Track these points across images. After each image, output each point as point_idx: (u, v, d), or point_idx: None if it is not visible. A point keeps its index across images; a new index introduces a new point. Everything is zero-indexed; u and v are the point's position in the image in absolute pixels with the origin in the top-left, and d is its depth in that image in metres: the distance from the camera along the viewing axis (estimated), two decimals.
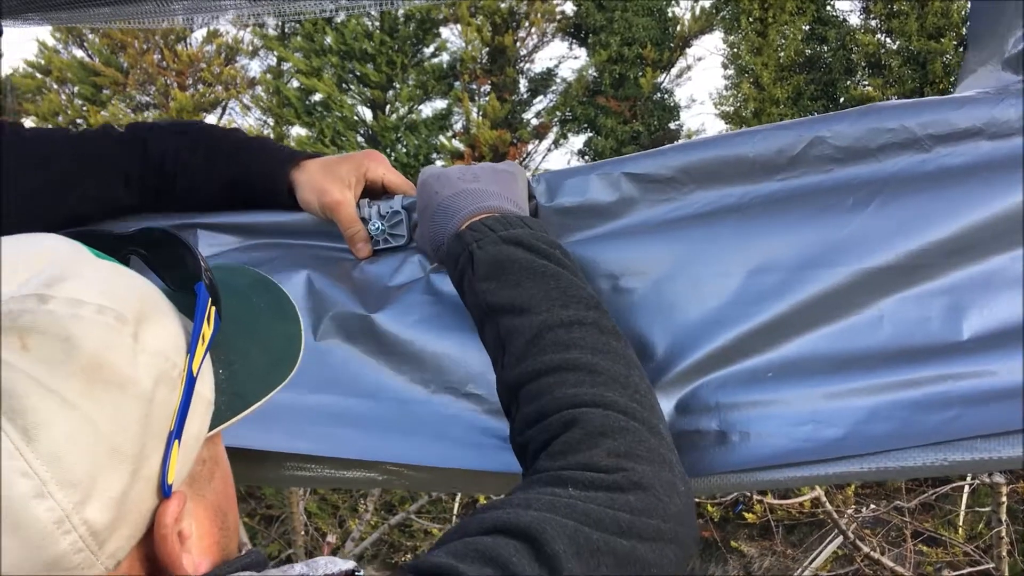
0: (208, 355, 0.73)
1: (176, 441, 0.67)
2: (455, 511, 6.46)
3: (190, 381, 0.69)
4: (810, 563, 6.15)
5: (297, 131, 11.77)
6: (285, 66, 11.92)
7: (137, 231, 0.83)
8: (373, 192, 1.26)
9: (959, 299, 0.98)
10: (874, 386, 0.96)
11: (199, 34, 11.66)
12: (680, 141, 1.11)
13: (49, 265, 0.66)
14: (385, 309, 1.18)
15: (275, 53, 11.79)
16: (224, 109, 12.27)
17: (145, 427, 0.64)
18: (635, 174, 1.10)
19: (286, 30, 11.58)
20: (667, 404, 1.02)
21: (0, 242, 0.68)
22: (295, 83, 11.62)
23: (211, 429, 0.73)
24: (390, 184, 1.25)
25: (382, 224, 1.20)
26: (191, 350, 0.70)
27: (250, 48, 12.04)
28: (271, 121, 12.06)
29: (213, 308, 0.74)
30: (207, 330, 0.72)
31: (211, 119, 12.09)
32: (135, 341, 0.65)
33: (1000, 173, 0.99)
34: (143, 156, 1.27)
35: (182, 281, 0.81)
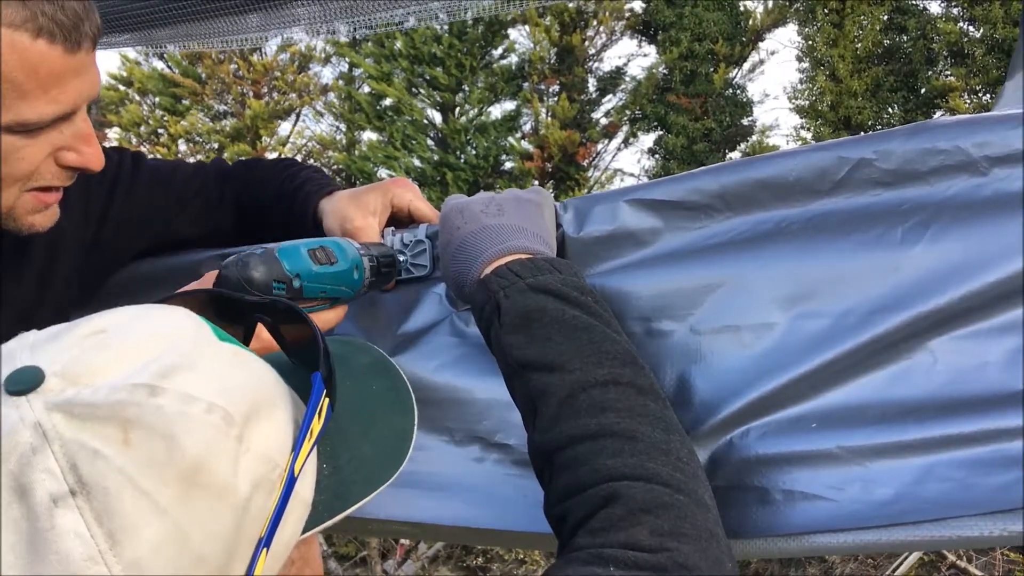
0: (315, 449, 0.70)
1: (265, 549, 0.63)
2: None
3: (289, 484, 0.65)
4: (893, 571, 5.97)
5: (368, 136, 11.91)
6: (357, 72, 12.05)
7: (268, 301, 0.81)
8: (400, 220, 1.22)
9: (1019, 341, 0.87)
10: (927, 440, 0.86)
11: (273, 43, 11.87)
12: (713, 164, 1.04)
13: (169, 350, 0.63)
14: (406, 352, 1.12)
15: (347, 59, 11.93)
16: (298, 116, 12.46)
17: (235, 535, 0.61)
18: (666, 200, 1.03)
19: (357, 36, 11.71)
20: (703, 455, 0.95)
21: (123, 315, 0.66)
22: (366, 88, 11.74)
23: (305, 532, 0.70)
24: (416, 211, 1.21)
25: (405, 253, 1.16)
26: (296, 447, 0.66)
27: (322, 55, 12.20)
28: (343, 127, 12.21)
29: (327, 400, 0.70)
30: (316, 425, 0.68)
31: (285, 126, 12.31)
32: (239, 443, 0.62)
33: None
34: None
35: (301, 358, 0.79)
